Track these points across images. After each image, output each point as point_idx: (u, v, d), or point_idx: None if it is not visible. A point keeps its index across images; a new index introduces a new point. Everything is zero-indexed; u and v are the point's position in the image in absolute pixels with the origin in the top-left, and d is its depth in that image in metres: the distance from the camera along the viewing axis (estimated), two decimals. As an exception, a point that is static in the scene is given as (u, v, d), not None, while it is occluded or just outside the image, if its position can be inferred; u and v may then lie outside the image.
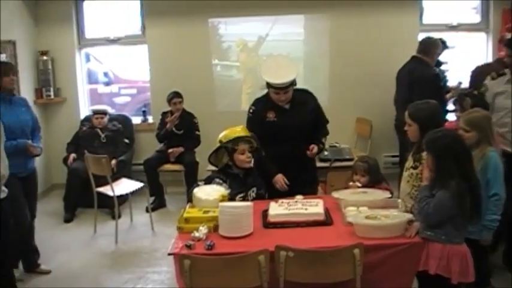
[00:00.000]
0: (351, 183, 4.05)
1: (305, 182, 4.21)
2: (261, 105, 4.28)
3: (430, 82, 5.46)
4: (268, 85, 4.15)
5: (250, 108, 4.35)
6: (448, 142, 3.11)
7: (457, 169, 3.05)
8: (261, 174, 4.16)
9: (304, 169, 4.26)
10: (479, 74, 5.50)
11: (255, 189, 4.03)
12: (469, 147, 3.27)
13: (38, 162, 7.23)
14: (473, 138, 3.58)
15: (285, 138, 4.14)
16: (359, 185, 4.02)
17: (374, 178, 4.05)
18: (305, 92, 4.39)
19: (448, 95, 5.83)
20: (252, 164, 4.05)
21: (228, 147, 4.01)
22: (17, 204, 4.55)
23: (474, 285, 3.49)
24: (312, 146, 4.18)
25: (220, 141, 4.05)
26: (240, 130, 4.06)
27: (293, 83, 4.12)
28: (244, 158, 3.99)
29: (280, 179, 4.13)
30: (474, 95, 4.35)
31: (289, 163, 4.15)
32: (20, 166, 4.67)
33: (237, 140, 3.99)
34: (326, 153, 4.37)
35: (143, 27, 7.68)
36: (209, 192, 3.64)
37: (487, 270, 3.73)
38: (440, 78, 6.01)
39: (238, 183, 3.96)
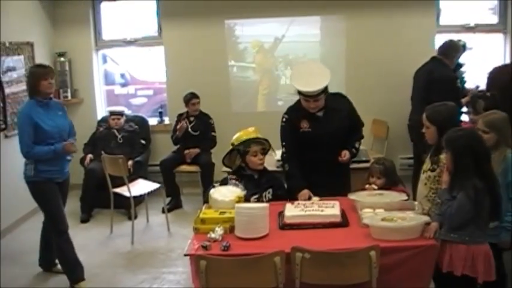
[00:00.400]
0: (367, 186, 4.03)
1: (339, 187, 4.06)
2: (294, 113, 4.14)
3: (448, 83, 5.44)
4: (299, 92, 4.02)
5: (283, 117, 4.20)
6: (468, 141, 3.10)
7: (476, 168, 3.04)
8: (288, 189, 4.13)
9: (339, 174, 4.15)
10: (497, 76, 5.46)
11: (270, 190, 4.03)
12: (488, 148, 3.26)
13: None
14: (492, 139, 3.54)
15: (320, 145, 4.06)
16: (375, 187, 4.01)
17: (390, 180, 4.02)
18: (339, 96, 4.26)
19: (464, 99, 5.79)
20: (263, 166, 4.06)
21: (240, 150, 4.02)
22: (56, 209, 4.62)
23: (494, 285, 3.49)
24: (344, 152, 4.07)
25: (233, 144, 4.06)
26: (251, 132, 4.07)
27: (325, 90, 3.97)
28: (256, 160, 3.99)
29: (305, 195, 3.93)
30: (487, 96, 4.32)
31: (323, 169, 4.05)
32: (58, 171, 4.61)
33: (248, 142, 4.00)
34: (357, 146, 4.23)
35: (160, 29, 7.72)
36: (225, 194, 3.66)
37: (504, 271, 3.69)
38: (458, 80, 5.99)
39: (253, 184, 3.97)
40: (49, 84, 4.50)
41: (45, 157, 4.45)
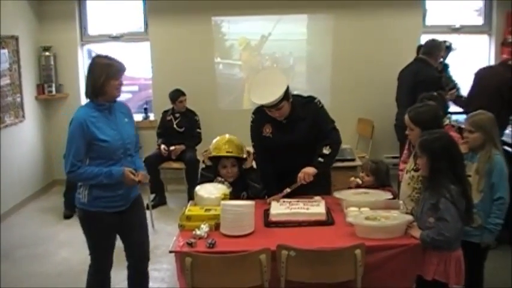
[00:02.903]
0: (352, 179, 4.06)
1: (316, 192, 3.90)
2: (259, 115, 3.97)
3: (433, 84, 5.46)
4: None
5: (251, 116, 4.06)
6: (444, 144, 3.12)
7: (451, 171, 3.06)
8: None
9: (312, 182, 3.86)
10: (482, 77, 5.51)
11: (245, 193, 3.98)
12: (465, 150, 3.35)
13: (37, 157, 7.31)
14: (478, 139, 3.57)
15: (283, 154, 3.91)
16: (359, 181, 4.02)
17: (380, 181, 4.03)
18: (308, 102, 3.97)
19: (448, 94, 5.83)
20: (234, 178, 3.97)
21: (213, 160, 4.01)
22: (100, 246, 3.70)
23: (470, 287, 3.53)
24: (303, 174, 3.77)
25: (206, 151, 4.04)
26: (223, 145, 3.97)
27: (285, 98, 3.75)
28: (225, 173, 3.95)
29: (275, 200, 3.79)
30: (435, 96, 4.33)
31: (293, 177, 3.84)
32: (120, 197, 3.56)
33: (216, 157, 3.97)
34: (326, 152, 4.07)
35: (146, 25, 7.69)
36: (211, 191, 3.65)
37: (482, 272, 3.73)
38: (442, 79, 6.03)
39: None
40: (119, 85, 3.47)
41: (91, 182, 3.44)
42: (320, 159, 3.84)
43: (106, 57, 3.51)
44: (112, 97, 3.46)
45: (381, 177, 4.05)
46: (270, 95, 3.70)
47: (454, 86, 6.51)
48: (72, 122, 3.41)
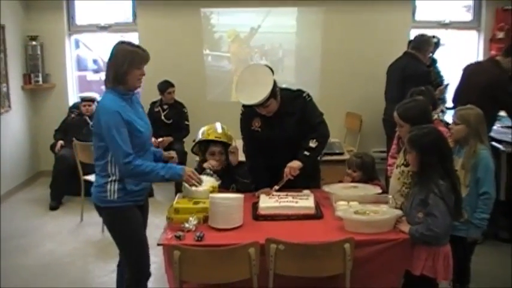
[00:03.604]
0: (345, 177, 4.08)
1: (304, 186, 3.88)
2: (249, 109, 3.89)
3: (422, 79, 5.46)
4: None
5: (241, 109, 4.01)
6: (434, 139, 3.12)
7: (440, 167, 3.06)
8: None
9: (301, 174, 3.83)
10: (470, 73, 5.52)
11: (234, 186, 3.97)
12: (453, 145, 3.39)
13: (23, 148, 7.25)
14: (462, 131, 3.61)
15: (272, 148, 3.90)
16: (349, 179, 4.04)
17: (367, 175, 4.03)
18: (296, 96, 3.94)
19: (437, 90, 5.84)
20: (221, 166, 3.96)
21: (201, 146, 3.98)
22: (141, 246, 3.41)
23: (457, 281, 3.55)
24: (288, 169, 3.74)
25: (194, 140, 4.01)
26: (211, 131, 3.97)
27: (272, 95, 3.71)
28: (211, 161, 3.93)
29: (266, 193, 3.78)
30: (423, 91, 4.34)
31: (282, 171, 3.81)
32: (146, 189, 3.50)
33: (204, 142, 3.94)
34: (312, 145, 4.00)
35: (134, 15, 7.63)
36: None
37: (469, 267, 3.76)
38: (436, 75, 6.05)
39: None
40: (141, 75, 3.29)
41: (147, 177, 3.25)
42: (306, 152, 3.81)
43: (130, 43, 3.31)
44: (133, 87, 3.29)
45: (368, 171, 4.06)
46: (256, 94, 3.68)
47: (442, 82, 6.55)
48: (106, 111, 3.15)
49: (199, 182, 3.35)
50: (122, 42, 3.31)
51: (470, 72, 5.48)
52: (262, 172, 3.97)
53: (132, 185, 3.26)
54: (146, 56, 3.27)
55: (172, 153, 3.65)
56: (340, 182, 4.00)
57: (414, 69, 5.76)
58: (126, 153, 3.11)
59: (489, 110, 4.72)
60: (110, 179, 3.23)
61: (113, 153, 3.16)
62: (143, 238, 3.32)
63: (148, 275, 3.48)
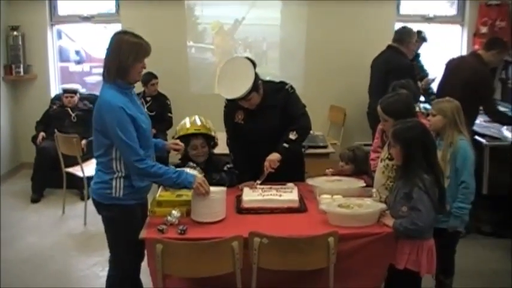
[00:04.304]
0: (327, 170, 4.07)
1: (288, 179, 3.85)
2: (232, 101, 3.85)
3: (405, 72, 5.44)
4: None
5: (224, 101, 3.98)
6: (418, 133, 3.12)
7: (424, 160, 3.06)
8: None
9: (285, 167, 3.80)
10: (453, 67, 5.54)
11: (217, 176, 3.89)
12: (434, 137, 3.37)
13: (5, 140, 7.16)
14: (439, 122, 3.62)
15: (255, 141, 3.88)
16: (331, 170, 4.06)
17: (359, 168, 4.04)
18: (279, 88, 3.92)
19: (421, 83, 5.85)
20: (205, 158, 3.92)
21: (182, 141, 3.94)
22: (132, 246, 3.16)
23: (441, 273, 3.56)
24: (268, 162, 3.72)
25: (173, 137, 3.97)
26: (190, 124, 3.92)
27: (254, 89, 3.69)
28: (195, 154, 3.89)
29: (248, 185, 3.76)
30: (407, 85, 4.35)
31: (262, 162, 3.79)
32: (148, 189, 3.37)
33: (185, 137, 3.88)
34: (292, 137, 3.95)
35: (117, 6, 7.55)
36: None
37: (452, 258, 3.78)
38: (414, 67, 6.04)
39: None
40: (143, 68, 3.16)
41: (159, 179, 3.18)
42: (285, 144, 3.77)
43: (133, 34, 3.12)
44: (133, 81, 3.16)
45: (360, 164, 4.07)
46: (237, 88, 3.66)
47: (425, 76, 6.56)
48: (110, 107, 3.00)
49: (208, 192, 3.20)
50: (125, 32, 3.14)
51: (453, 66, 5.50)
52: (246, 165, 3.94)
53: (138, 182, 3.16)
54: (149, 48, 3.14)
55: (181, 144, 3.56)
56: (325, 175, 3.99)
57: (397, 62, 5.75)
58: (136, 151, 3.02)
59: (471, 103, 4.76)
60: (115, 176, 3.12)
61: (121, 152, 3.05)
62: (137, 240, 3.04)
63: (137, 278, 3.38)
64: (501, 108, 5.55)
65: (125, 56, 3.02)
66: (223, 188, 3.38)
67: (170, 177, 3.12)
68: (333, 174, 4.01)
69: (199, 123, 3.95)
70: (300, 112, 3.90)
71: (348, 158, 4.06)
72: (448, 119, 3.60)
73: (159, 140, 3.65)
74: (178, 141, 3.64)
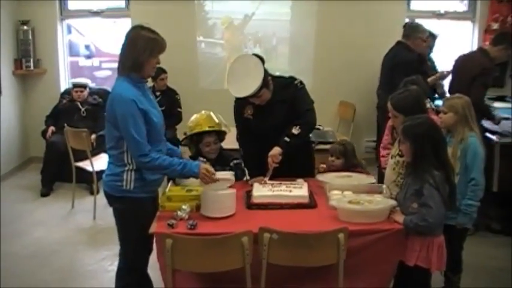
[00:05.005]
0: (321, 165, 4.09)
1: (298, 175, 3.84)
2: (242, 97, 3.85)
3: (410, 66, 5.37)
4: None
5: (234, 97, 3.97)
6: (427, 129, 3.11)
7: (434, 157, 3.05)
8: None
9: (294, 161, 3.82)
10: (460, 63, 5.51)
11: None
12: (444, 133, 3.36)
13: (14, 134, 7.18)
14: (450, 119, 3.61)
15: (264, 136, 3.85)
16: (324, 166, 4.08)
17: (349, 162, 4.04)
18: (288, 83, 3.91)
19: (429, 79, 5.81)
20: (216, 154, 3.95)
21: (194, 138, 3.94)
22: (142, 240, 3.17)
23: (449, 270, 3.55)
24: (271, 157, 3.69)
25: (185, 133, 3.97)
26: (203, 121, 3.93)
27: (264, 85, 3.70)
28: (209, 150, 3.90)
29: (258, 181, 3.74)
30: (417, 81, 4.32)
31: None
32: (160, 181, 3.41)
33: (201, 133, 3.90)
34: (295, 132, 3.91)
35: (127, 0, 7.55)
36: None
37: (460, 255, 3.76)
38: (422, 63, 5.99)
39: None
40: (157, 63, 3.23)
41: (165, 171, 3.22)
42: (286, 138, 3.73)
43: (149, 29, 3.18)
44: (147, 75, 3.23)
45: (350, 158, 4.08)
46: (247, 86, 3.66)
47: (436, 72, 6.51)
48: (122, 100, 3.03)
49: (214, 178, 3.21)
50: (141, 28, 3.18)
51: (460, 63, 5.48)
52: (256, 159, 3.93)
53: (149, 175, 3.19)
54: (165, 44, 3.19)
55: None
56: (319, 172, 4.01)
57: (402, 57, 5.70)
58: (141, 146, 3.04)
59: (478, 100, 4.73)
60: (126, 168, 3.15)
61: (127, 144, 3.08)
62: (146, 233, 3.02)
63: (144, 271, 3.41)
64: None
65: (141, 51, 3.08)
66: (232, 178, 3.37)
67: (175, 169, 3.15)
68: (326, 171, 4.02)
69: (216, 120, 3.97)
70: (305, 108, 3.87)
71: (339, 152, 4.06)
72: (459, 115, 3.59)
73: (176, 148, 3.63)
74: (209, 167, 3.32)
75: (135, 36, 3.13)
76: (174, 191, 3.41)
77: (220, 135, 3.99)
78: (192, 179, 3.38)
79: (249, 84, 3.66)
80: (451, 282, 3.78)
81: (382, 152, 4.05)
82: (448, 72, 5.86)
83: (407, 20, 7.01)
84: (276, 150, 3.71)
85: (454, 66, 5.59)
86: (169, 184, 3.59)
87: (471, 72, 5.12)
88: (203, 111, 4.03)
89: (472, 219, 3.56)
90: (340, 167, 4.02)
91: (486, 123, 5.21)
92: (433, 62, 6.60)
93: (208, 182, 3.21)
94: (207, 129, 3.90)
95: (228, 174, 3.38)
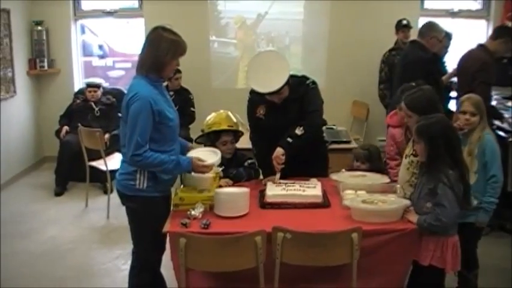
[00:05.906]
0: (343, 170, 4.02)
1: (312, 174, 3.83)
2: (255, 95, 3.84)
3: (421, 65, 5.27)
4: None
5: (248, 95, 3.98)
6: (441, 128, 3.09)
7: (448, 156, 3.03)
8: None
9: (307, 161, 3.83)
10: (462, 61, 5.46)
11: (234, 171, 3.90)
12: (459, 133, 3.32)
13: (28, 133, 7.23)
14: (477, 121, 3.55)
15: (276, 135, 3.78)
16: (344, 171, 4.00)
17: (375, 166, 4.00)
18: (300, 82, 3.85)
19: (443, 77, 5.76)
20: (232, 154, 3.94)
21: (211, 136, 3.94)
22: (154, 237, 3.14)
23: (464, 268, 3.51)
24: (274, 161, 3.66)
25: (203, 130, 3.97)
26: (223, 119, 3.92)
27: (287, 82, 3.66)
28: (225, 149, 3.87)
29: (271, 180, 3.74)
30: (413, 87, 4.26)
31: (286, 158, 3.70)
32: (173, 182, 3.43)
33: (218, 132, 3.90)
34: (298, 133, 3.89)
35: (140, 0, 7.58)
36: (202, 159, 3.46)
37: (476, 253, 3.73)
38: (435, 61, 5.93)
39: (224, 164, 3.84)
40: (177, 65, 3.27)
41: (157, 169, 3.14)
42: (289, 139, 3.69)
43: (171, 31, 3.18)
44: (166, 76, 3.27)
45: (376, 162, 4.05)
46: (271, 82, 3.61)
47: (446, 72, 6.45)
48: (138, 97, 3.03)
49: (207, 166, 3.27)
50: (163, 29, 3.18)
51: (462, 61, 5.43)
52: (268, 158, 3.91)
53: (162, 174, 3.20)
54: (186, 46, 3.20)
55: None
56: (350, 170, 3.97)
57: (414, 56, 5.61)
58: (138, 144, 3.01)
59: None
60: (137, 165, 3.13)
61: (127, 139, 3.06)
62: (159, 232, 3.03)
63: (157, 270, 3.41)
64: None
65: (163, 52, 3.09)
66: (246, 190, 3.37)
67: (167, 167, 3.13)
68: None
69: (234, 120, 3.97)
70: (312, 108, 3.81)
71: (364, 157, 4.03)
72: (480, 114, 3.55)
73: (186, 142, 3.63)
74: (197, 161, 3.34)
75: (158, 38, 3.13)
76: (186, 191, 3.39)
77: (237, 135, 3.99)
78: (200, 177, 3.38)
79: (273, 80, 3.61)
80: (467, 280, 3.72)
81: (391, 164, 3.98)
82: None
83: (420, 19, 6.98)
84: (278, 152, 3.68)
85: (458, 64, 5.55)
86: (182, 184, 3.58)
87: (471, 68, 5.07)
88: (221, 110, 4.02)
89: (490, 217, 3.54)
90: (367, 171, 3.97)
91: (497, 122, 5.17)
92: (443, 63, 6.54)
93: (205, 172, 3.26)
94: (226, 128, 3.90)
95: (210, 149, 3.42)
